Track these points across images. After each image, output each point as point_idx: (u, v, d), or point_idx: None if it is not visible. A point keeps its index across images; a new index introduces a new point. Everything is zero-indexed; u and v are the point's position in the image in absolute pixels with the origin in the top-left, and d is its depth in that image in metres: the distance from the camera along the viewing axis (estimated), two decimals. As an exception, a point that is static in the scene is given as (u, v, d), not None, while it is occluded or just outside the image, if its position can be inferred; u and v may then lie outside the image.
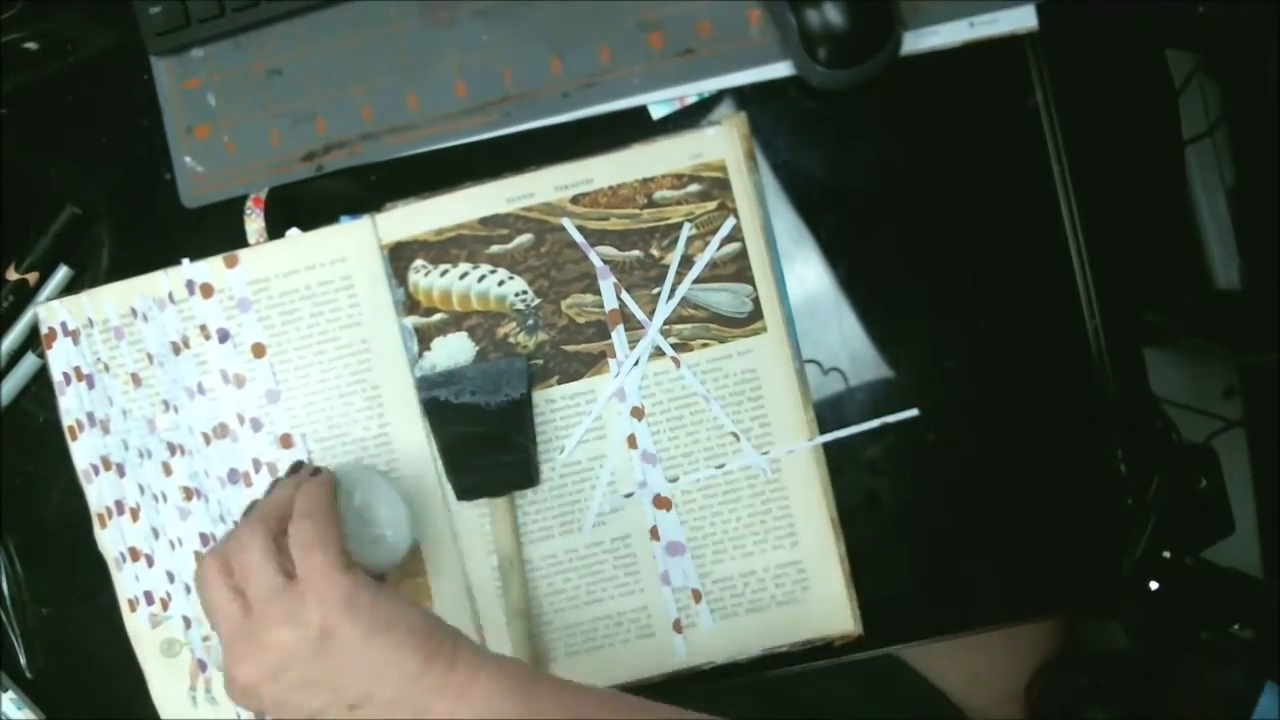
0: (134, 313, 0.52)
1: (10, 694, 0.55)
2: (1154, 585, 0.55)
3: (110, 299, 0.52)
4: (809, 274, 0.51)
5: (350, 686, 0.39)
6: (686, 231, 0.50)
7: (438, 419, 0.50)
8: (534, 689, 0.40)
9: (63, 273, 0.54)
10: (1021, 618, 0.54)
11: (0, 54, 0.54)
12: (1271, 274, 0.64)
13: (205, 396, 0.52)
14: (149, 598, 0.53)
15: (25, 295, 0.54)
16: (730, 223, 0.50)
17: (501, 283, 0.51)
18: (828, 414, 0.51)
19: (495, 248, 0.51)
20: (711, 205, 0.50)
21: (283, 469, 0.51)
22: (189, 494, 0.52)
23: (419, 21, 0.51)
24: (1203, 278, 0.68)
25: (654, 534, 0.50)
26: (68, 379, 0.53)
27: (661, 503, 0.50)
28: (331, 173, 0.52)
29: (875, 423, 0.49)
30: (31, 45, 0.54)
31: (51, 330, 0.53)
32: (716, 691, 0.52)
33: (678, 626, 0.51)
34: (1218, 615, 0.56)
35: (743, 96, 0.50)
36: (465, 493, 0.50)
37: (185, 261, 0.52)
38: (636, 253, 0.50)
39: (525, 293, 0.51)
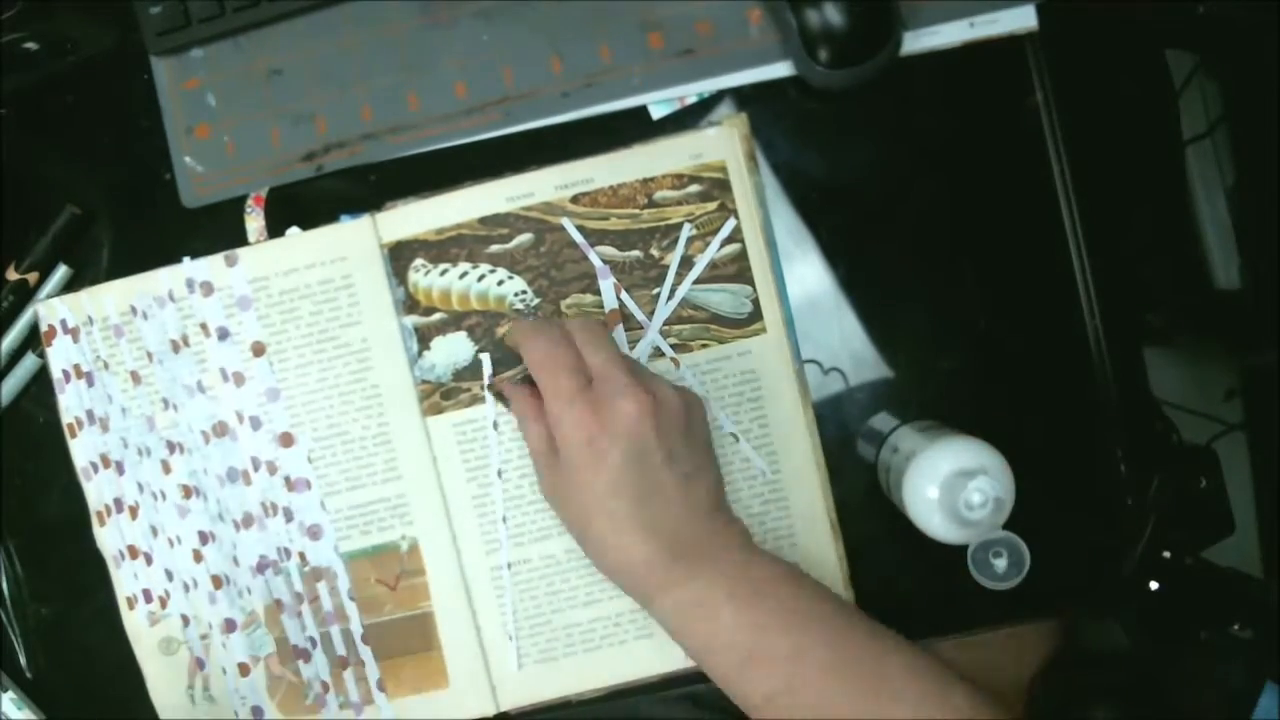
0: (134, 310, 0.52)
1: (10, 694, 0.55)
2: (1154, 585, 0.55)
3: (110, 297, 0.52)
4: (809, 274, 0.51)
5: (691, 458, 0.45)
6: (686, 232, 0.50)
7: None
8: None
9: (62, 272, 0.54)
10: (1021, 618, 0.54)
11: (0, 54, 0.54)
12: (1271, 274, 0.64)
13: (205, 395, 0.52)
14: (147, 596, 0.53)
15: (25, 295, 0.54)
16: (730, 224, 0.50)
17: (501, 282, 0.51)
18: (828, 414, 0.51)
19: (495, 247, 0.51)
20: (712, 206, 0.50)
21: (282, 468, 0.51)
22: (188, 492, 0.52)
23: (419, 21, 0.51)
24: (1203, 278, 0.68)
25: (653, 534, 0.50)
26: (67, 376, 0.53)
27: (661, 502, 0.50)
28: (331, 173, 0.52)
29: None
30: (31, 45, 0.54)
31: (51, 328, 0.53)
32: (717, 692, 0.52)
33: (677, 626, 0.51)
34: (1218, 615, 0.56)
35: (743, 96, 0.50)
36: None
37: (186, 259, 0.52)
38: (636, 253, 0.50)
39: (525, 292, 0.51)
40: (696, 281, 0.50)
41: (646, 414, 0.43)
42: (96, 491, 0.53)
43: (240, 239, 0.52)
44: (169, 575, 0.53)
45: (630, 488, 0.43)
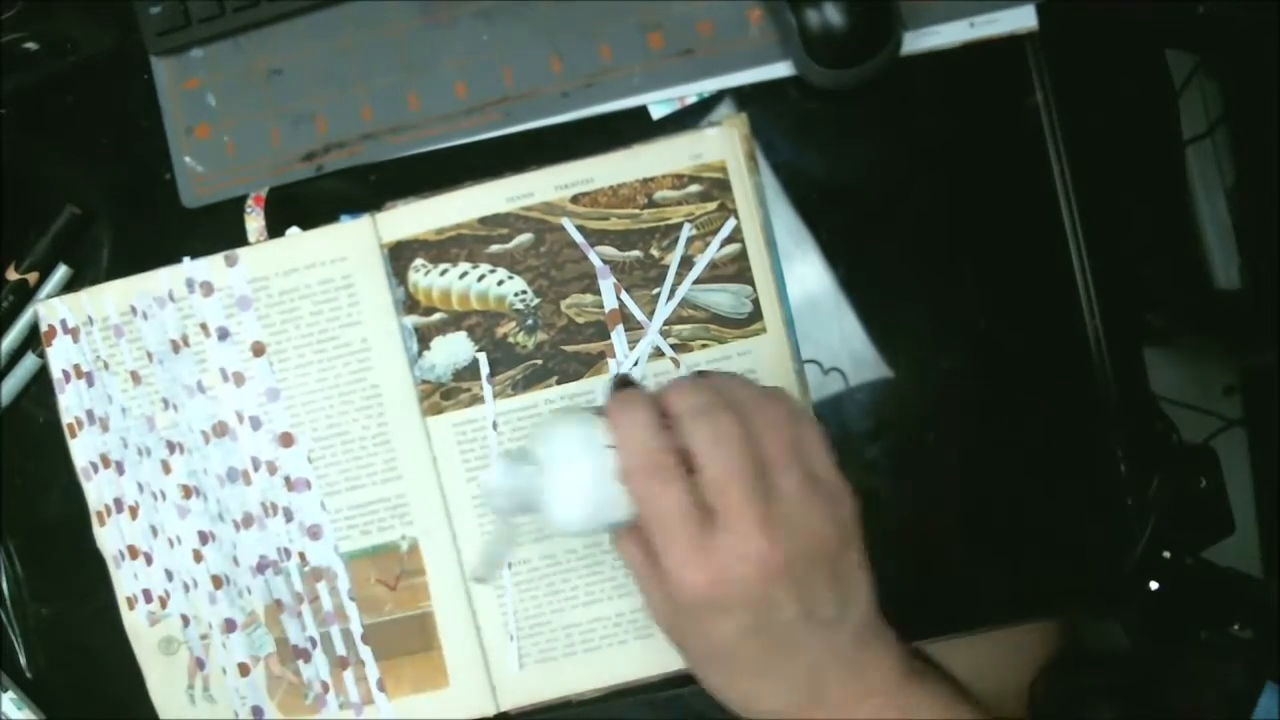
0: (134, 310, 0.52)
1: (10, 694, 0.55)
2: (1154, 585, 0.55)
3: (110, 297, 0.52)
4: (809, 274, 0.51)
5: (836, 601, 0.37)
6: (686, 232, 0.50)
7: None
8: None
9: (62, 272, 0.54)
10: (1021, 618, 0.54)
11: (0, 54, 0.54)
12: (1271, 274, 0.64)
13: (205, 395, 0.52)
14: (147, 596, 0.53)
15: (25, 295, 0.54)
16: (730, 224, 0.50)
17: (501, 282, 0.51)
18: (828, 414, 0.51)
19: (495, 247, 0.51)
20: (712, 206, 0.50)
21: (282, 468, 0.51)
22: (188, 492, 0.52)
23: (419, 21, 0.51)
24: (1203, 278, 0.68)
25: (654, 534, 0.50)
26: (67, 376, 0.53)
27: (661, 502, 0.50)
28: (331, 173, 0.52)
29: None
30: (31, 45, 0.54)
31: (51, 327, 0.53)
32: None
33: (677, 626, 0.51)
34: (1218, 615, 0.56)
35: (743, 96, 0.50)
36: None
37: (186, 259, 0.52)
38: (636, 253, 0.50)
39: (525, 292, 0.51)
40: (696, 281, 0.50)
41: (776, 574, 0.35)
42: (96, 491, 0.53)
43: (240, 239, 0.52)
44: (169, 575, 0.53)
45: (751, 647, 0.36)
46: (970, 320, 0.50)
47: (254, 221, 0.52)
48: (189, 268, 0.52)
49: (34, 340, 0.54)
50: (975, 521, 0.51)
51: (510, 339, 0.51)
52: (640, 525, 0.37)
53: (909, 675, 0.39)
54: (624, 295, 0.50)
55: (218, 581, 0.53)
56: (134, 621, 0.53)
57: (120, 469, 0.53)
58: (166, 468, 0.52)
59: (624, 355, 0.50)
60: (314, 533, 0.52)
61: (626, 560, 0.39)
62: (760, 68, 0.50)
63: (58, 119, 0.54)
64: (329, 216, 0.52)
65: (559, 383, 0.50)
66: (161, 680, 0.53)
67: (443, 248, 0.51)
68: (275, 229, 0.52)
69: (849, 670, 0.37)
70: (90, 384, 0.53)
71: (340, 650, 0.52)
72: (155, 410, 0.52)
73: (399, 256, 0.51)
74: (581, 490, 0.37)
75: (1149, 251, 0.69)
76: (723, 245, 0.50)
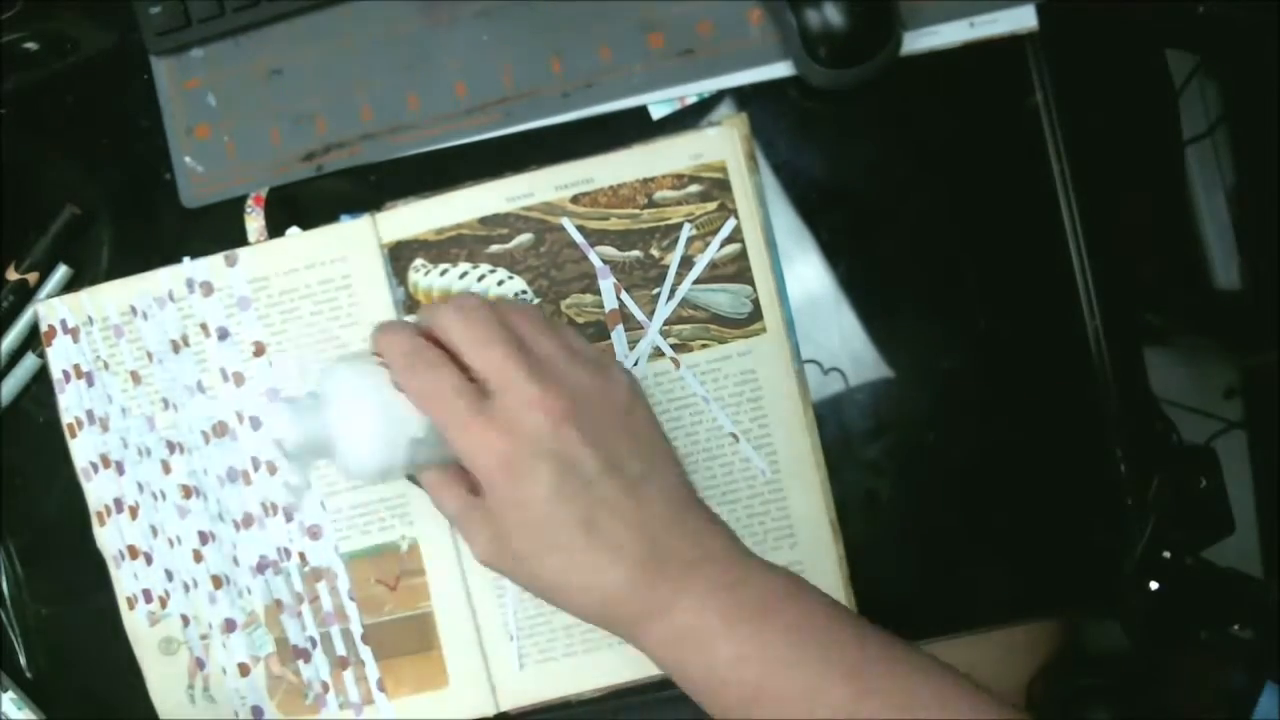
0: (134, 310, 0.52)
1: (10, 694, 0.55)
2: (1154, 585, 0.55)
3: (110, 296, 0.52)
4: (809, 274, 0.51)
5: (638, 456, 0.37)
6: (686, 232, 0.50)
7: None
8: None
9: (62, 272, 0.54)
10: (1021, 618, 0.54)
11: (0, 54, 0.54)
12: (1271, 274, 0.64)
13: (205, 395, 0.52)
14: (147, 596, 0.53)
15: (25, 295, 0.54)
16: (730, 223, 0.50)
17: (501, 282, 0.51)
18: (828, 414, 0.51)
19: (495, 247, 0.51)
20: (712, 206, 0.50)
21: (281, 467, 0.51)
22: (188, 492, 0.52)
23: (419, 21, 0.51)
24: (1203, 278, 0.68)
25: (653, 534, 0.50)
26: (67, 376, 0.53)
27: (661, 502, 0.50)
28: (331, 173, 0.52)
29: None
30: (31, 45, 0.54)
31: (51, 327, 0.53)
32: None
33: (677, 626, 0.51)
34: (1218, 615, 0.56)
35: (743, 96, 0.50)
36: None
37: (186, 259, 0.52)
38: (636, 253, 0.50)
39: (525, 292, 0.51)
40: (696, 281, 0.50)
41: (563, 418, 0.36)
42: (96, 491, 0.53)
43: (240, 238, 0.52)
44: (169, 575, 0.53)
45: (570, 510, 0.36)
46: (970, 320, 0.50)
47: (254, 221, 0.52)
48: (189, 268, 0.52)
49: (34, 340, 0.54)
50: (975, 521, 0.51)
51: (510, 339, 0.51)
52: (446, 463, 0.38)
53: (745, 555, 0.38)
54: (624, 295, 0.50)
55: (218, 581, 0.53)
56: (134, 621, 0.53)
57: (120, 469, 0.53)
58: (166, 468, 0.52)
59: (624, 355, 0.50)
60: (314, 533, 0.52)
61: (441, 502, 0.40)
62: (760, 68, 0.50)
63: (58, 119, 0.54)
64: (329, 216, 0.52)
65: (559, 383, 0.50)
66: (161, 680, 0.53)
67: (443, 248, 0.51)
68: (275, 229, 0.52)
69: (676, 539, 0.37)
70: (90, 384, 0.53)
71: (340, 650, 0.52)
72: (155, 410, 0.52)
73: (399, 256, 0.51)
74: (369, 419, 0.38)
75: (1149, 251, 0.69)
76: (723, 245, 0.50)
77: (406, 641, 0.52)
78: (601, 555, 0.36)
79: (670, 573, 0.37)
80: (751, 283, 0.50)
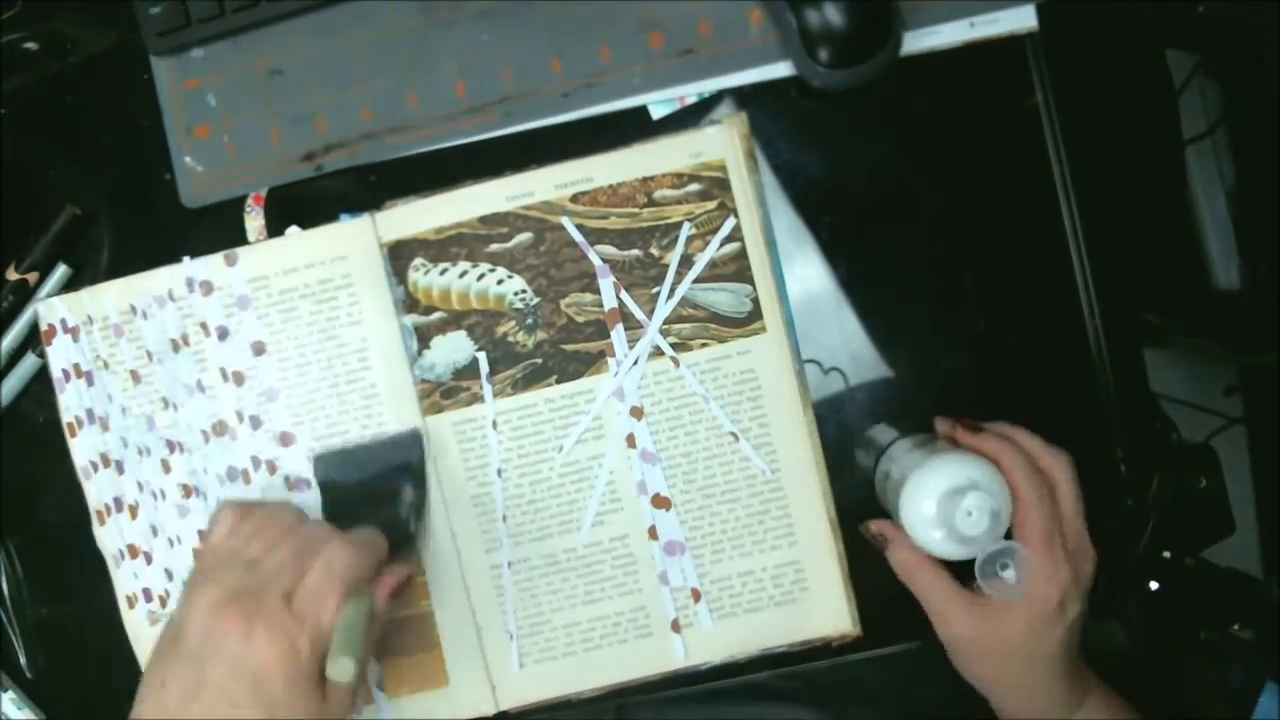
0: (134, 310, 0.52)
1: (10, 694, 0.55)
2: (1154, 585, 0.55)
3: (110, 296, 0.52)
4: (809, 274, 0.51)
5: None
6: (686, 231, 0.50)
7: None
8: None
9: (62, 272, 0.54)
10: (1021, 618, 0.54)
11: (0, 54, 0.54)
12: (1271, 274, 0.64)
13: (204, 394, 0.52)
14: (147, 595, 0.53)
15: (25, 295, 0.54)
16: (730, 223, 0.50)
17: (501, 281, 0.51)
18: (828, 414, 0.51)
19: (495, 246, 0.51)
20: (711, 205, 0.50)
21: (282, 468, 0.51)
22: (188, 491, 0.52)
23: (419, 21, 0.51)
24: (1203, 278, 0.68)
25: (652, 533, 0.50)
26: (67, 376, 0.53)
27: (660, 502, 0.50)
28: (331, 172, 0.52)
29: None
30: (31, 45, 0.54)
31: (51, 327, 0.53)
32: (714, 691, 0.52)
33: (675, 626, 0.51)
34: (1218, 615, 0.56)
35: (743, 96, 0.50)
36: None
37: (186, 259, 0.52)
38: (636, 252, 0.50)
39: (524, 291, 0.51)
40: (696, 280, 0.50)
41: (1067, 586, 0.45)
42: (96, 491, 0.53)
43: (240, 238, 0.52)
44: (169, 575, 0.53)
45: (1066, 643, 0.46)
46: (970, 320, 0.50)
47: (254, 221, 0.52)
48: (189, 267, 0.52)
49: (34, 340, 0.54)
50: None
51: (510, 338, 0.51)
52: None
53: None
54: (623, 294, 0.50)
55: (217, 581, 0.52)
56: (134, 621, 0.53)
57: (120, 468, 0.53)
58: (166, 467, 0.52)
59: (623, 354, 0.50)
60: (314, 532, 0.52)
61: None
62: (760, 68, 0.50)
63: (58, 119, 0.54)
64: (329, 216, 0.52)
65: (558, 381, 0.50)
66: (161, 680, 0.53)
67: (442, 247, 0.51)
68: (275, 229, 0.52)
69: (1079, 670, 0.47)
70: (90, 383, 0.53)
71: (340, 650, 0.52)
72: (155, 409, 0.52)
73: (399, 255, 0.51)
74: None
75: (1149, 251, 0.69)
76: (722, 244, 0.50)
77: (406, 641, 0.52)
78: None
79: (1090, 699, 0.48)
80: (751, 282, 0.50)
